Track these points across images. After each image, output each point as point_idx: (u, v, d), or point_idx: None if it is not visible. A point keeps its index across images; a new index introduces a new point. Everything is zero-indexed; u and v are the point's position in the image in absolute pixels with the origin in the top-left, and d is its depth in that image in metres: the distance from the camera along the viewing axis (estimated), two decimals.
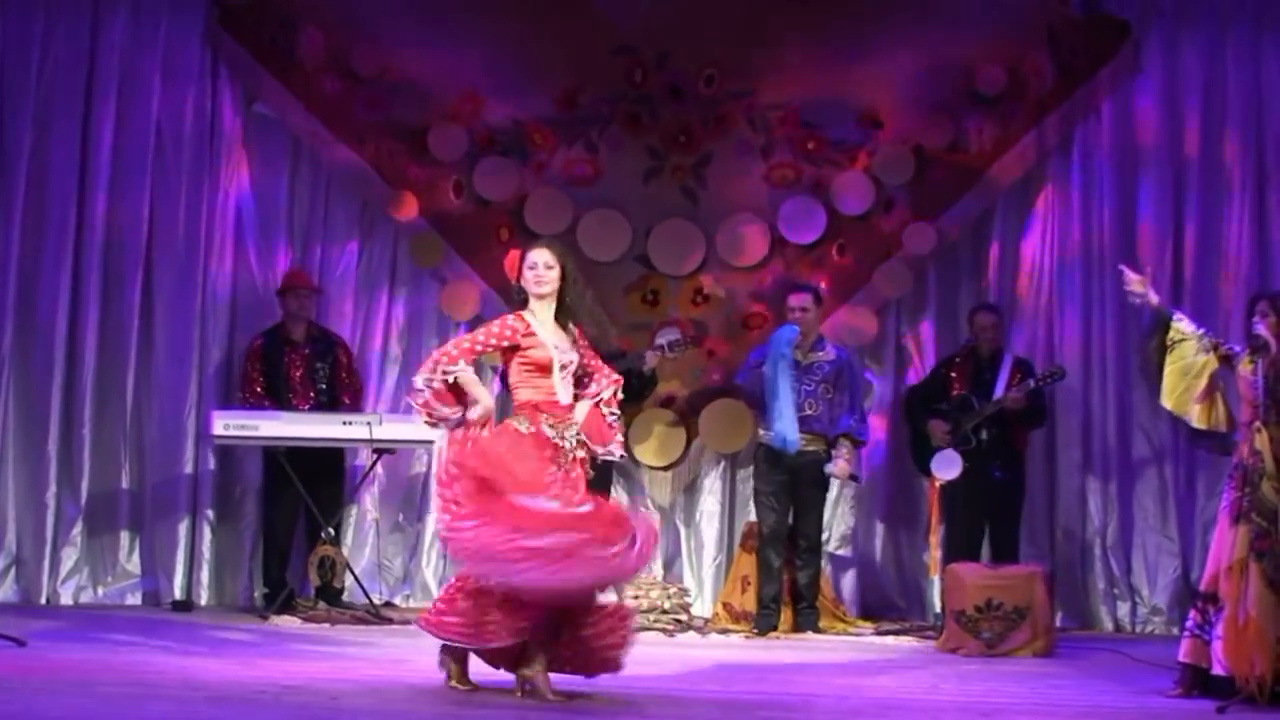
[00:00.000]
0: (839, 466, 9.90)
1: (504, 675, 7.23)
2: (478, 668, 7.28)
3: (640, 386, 10.48)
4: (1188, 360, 7.71)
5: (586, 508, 6.97)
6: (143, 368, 10.75)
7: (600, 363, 7.44)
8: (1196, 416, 7.73)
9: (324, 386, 10.50)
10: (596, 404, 7.32)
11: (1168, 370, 7.73)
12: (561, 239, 10.62)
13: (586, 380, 7.36)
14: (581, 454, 7.22)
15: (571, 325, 7.30)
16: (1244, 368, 7.62)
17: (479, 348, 7.23)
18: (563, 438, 7.16)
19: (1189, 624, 7.68)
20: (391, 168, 10.96)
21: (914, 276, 11.07)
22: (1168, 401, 7.76)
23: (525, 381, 7.20)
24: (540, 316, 7.27)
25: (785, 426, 9.73)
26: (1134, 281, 7.92)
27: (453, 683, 7.22)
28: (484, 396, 7.19)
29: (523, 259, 7.31)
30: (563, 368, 7.22)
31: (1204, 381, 7.69)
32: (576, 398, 7.30)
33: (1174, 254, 10.84)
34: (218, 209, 10.85)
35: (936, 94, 10.93)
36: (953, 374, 10.40)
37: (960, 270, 11.18)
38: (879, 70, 10.91)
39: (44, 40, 10.62)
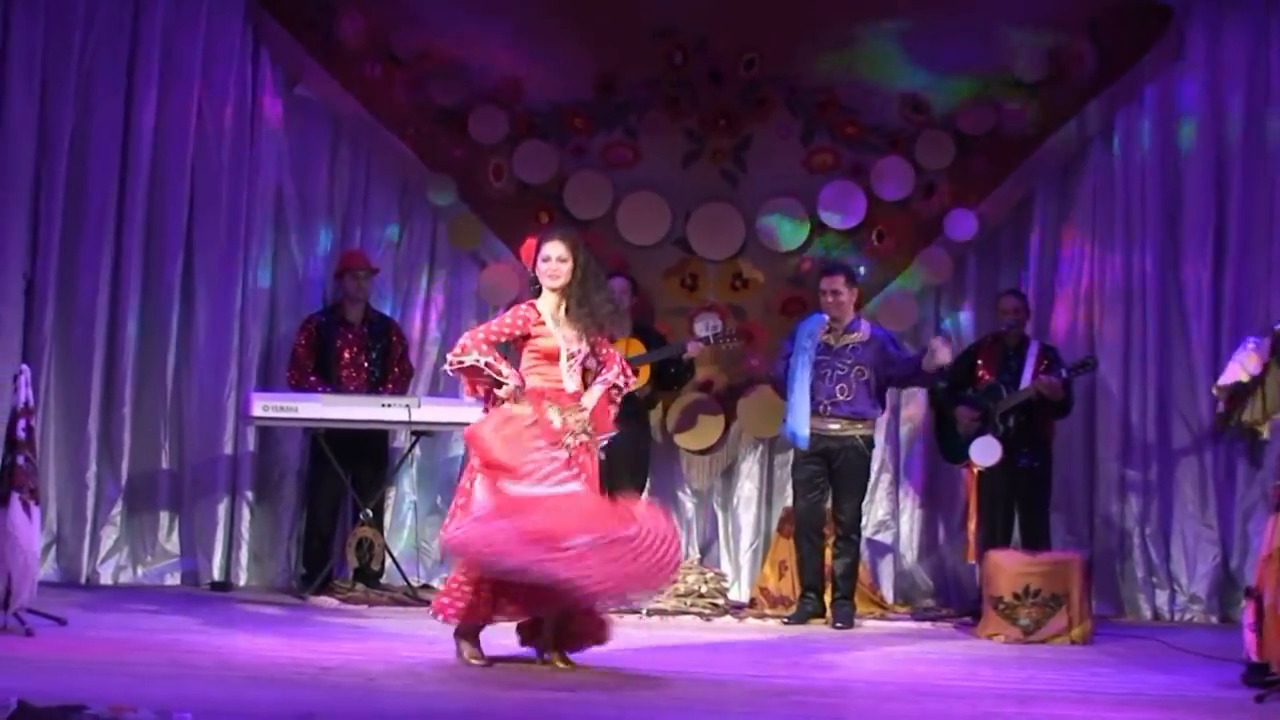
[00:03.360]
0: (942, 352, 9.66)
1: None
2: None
3: (677, 374, 10.50)
4: None
5: (571, 488, 7.26)
6: (183, 348, 10.79)
7: (613, 352, 7.70)
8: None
9: (374, 371, 10.51)
10: (606, 390, 7.56)
11: None
12: (600, 223, 10.74)
13: (599, 370, 7.62)
14: (585, 439, 7.43)
15: (587, 316, 7.50)
16: None
17: (493, 337, 7.51)
18: (566, 424, 7.36)
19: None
20: (432, 150, 10.98)
21: (954, 263, 11.04)
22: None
23: (533, 368, 7.47)
24: (551, 306, 7.51)
25: (796, 421, 9.68)
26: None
27: (466, 658, 7.42)
28: (509, 378, 7.38)
29: (538, 250, 7.55)
30: (570, 356, 7.49)
31: None
32: (586, 386, 7.55)
33: (1216, 240, 10.78)
34: (258, 190, 10.87)
35: (977, 79, 10.90)
36: (979, 360, 10.33)
37: (1000, 257, 11.14)
38: (919, 54, 10.88)
39: (86, 21, 10.64)
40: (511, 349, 7.62)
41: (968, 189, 10.96)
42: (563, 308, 7.50)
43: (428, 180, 10.95)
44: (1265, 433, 7.95)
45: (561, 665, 7.35)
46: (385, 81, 10.93)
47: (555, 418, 7.35)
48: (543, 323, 7.47)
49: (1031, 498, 10.22)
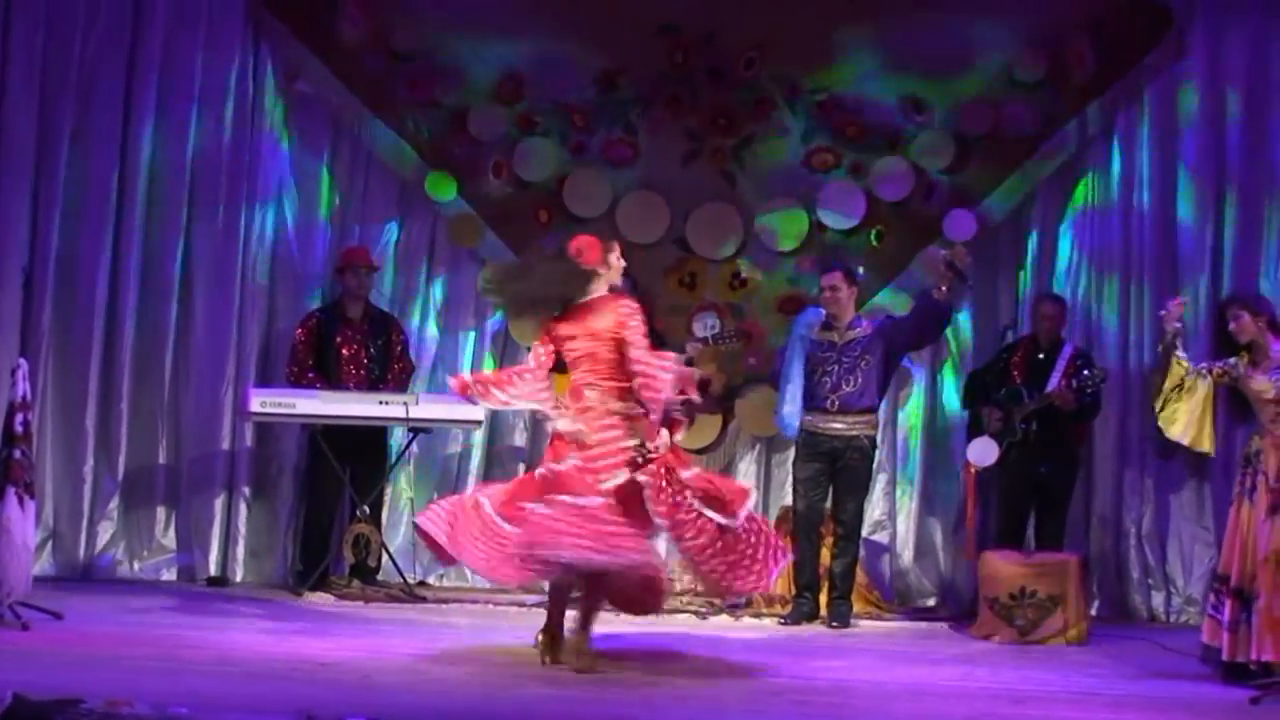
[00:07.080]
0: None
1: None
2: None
3: None
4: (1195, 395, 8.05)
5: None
6: (181, 344, 10.79)
7: None
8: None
9: (374, 367, 10.49)
10: None
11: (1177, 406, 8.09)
12: (600, 221, 10.74)
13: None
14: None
15: None
16: (1258, 382, 7.78)
17: None
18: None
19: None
20: (431, 148, 10.98)
21: None
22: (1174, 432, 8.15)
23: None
24: None
25: (787, 411, 9.74)
26: (1174, 316, 8.23)
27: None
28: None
29: (609, 250, 7.72)
30: None
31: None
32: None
33: (1214, 242, 10.76)
34: (257, 187, 10.88)
35: (977, 80, 10.90)
36: (1014, 361, 10.30)
37: (999, 258, 11.12)
38: (920, 55, 10.87)
39: (87, 18, 10.64)
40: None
41: (967, 190, 10.95)
42: None
43: (428, 178, 10.95)
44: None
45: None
46: (385, 78, 10.92)
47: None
48: None
49: (1049, 503, 10.21)
